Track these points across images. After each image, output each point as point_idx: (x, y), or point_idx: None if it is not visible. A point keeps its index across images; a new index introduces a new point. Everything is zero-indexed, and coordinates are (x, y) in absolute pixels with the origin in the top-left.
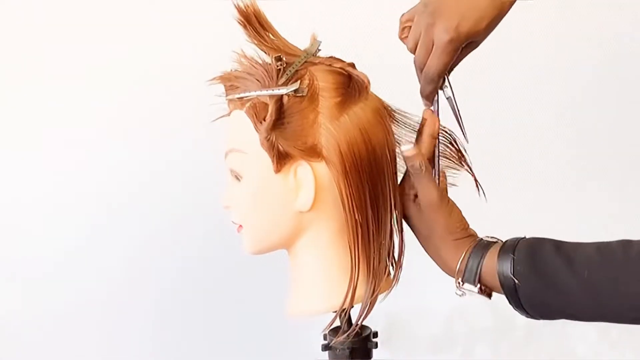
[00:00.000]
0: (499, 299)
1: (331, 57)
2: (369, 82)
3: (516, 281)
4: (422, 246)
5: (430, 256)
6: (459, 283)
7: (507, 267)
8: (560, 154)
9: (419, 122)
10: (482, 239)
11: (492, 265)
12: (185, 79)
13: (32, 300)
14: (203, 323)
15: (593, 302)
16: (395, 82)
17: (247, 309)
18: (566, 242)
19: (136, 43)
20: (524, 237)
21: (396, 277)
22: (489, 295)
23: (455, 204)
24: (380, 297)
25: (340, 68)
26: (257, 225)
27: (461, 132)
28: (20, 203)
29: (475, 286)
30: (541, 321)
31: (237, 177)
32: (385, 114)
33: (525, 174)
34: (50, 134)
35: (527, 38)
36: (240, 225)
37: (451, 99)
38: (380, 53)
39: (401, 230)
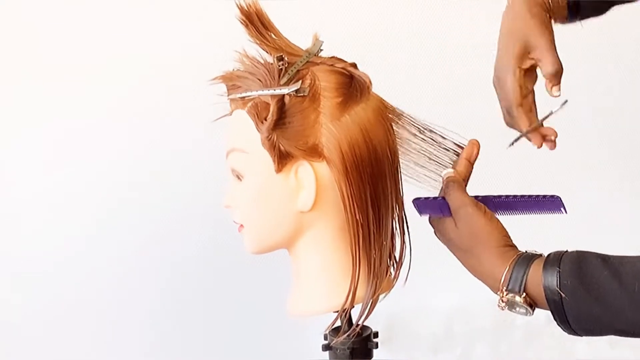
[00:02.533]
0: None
1: (333, 57)
2: (370, 82)
3: (563, 295)
4: (463, 263)
5: (472, 271)
6: (503, 293)
7: (553, 280)
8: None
9: (423, 123)
10: (526, 251)
11: (538, 277)
12: (187, 78)
13: (31, 297)
14: (203, 322)
15: None
16: (397, 82)
17: (248, 309)
18: (612, 256)
19: (138, 42)
20: (567, 250)
21: (397, 277)
22: (532, 307)
23: (494, 214)
24: (380, 297)
25: (342, 68)
26: (258, 225)
27: None
28: (18, 201)
29: (520, 296)
30: (541, 321)
31: (239, 177)
32: (386, 114)
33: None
34: (49, 132)
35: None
36: (242, 225)
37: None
38: (382, 53)
39: (402, 232)
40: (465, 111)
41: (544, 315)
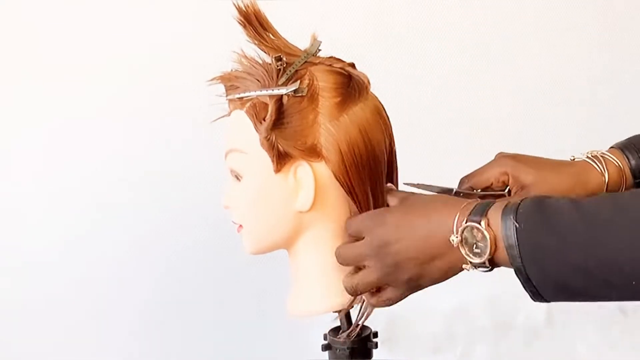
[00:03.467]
0: (499, 299)
1: (331, 57)
2: (368, 82)
3: (516, 225)
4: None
5: (420, 246)
6: (460, 226)
7: (510, 217)
8: None
9: None
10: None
11: (497, 217)
12: (185, 78)
13: (27, 294)
14: (202, 322)
15: (603, 248)
16: (395, 82)
17: (247, 309)
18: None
19: (136, 42)
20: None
21: None
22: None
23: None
24: None
25: (340, 68)
26: (257, 225)
27: None
28: (15, 199)
29: (481, 222)
30: (541, 321)
31: (237, 177)
32: (385, 113)
33: None
34: (47, 131)
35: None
36: (240, 225)
37: None
38: (380, 53)
39: None
40: (465, 111)
41: (544, 315)
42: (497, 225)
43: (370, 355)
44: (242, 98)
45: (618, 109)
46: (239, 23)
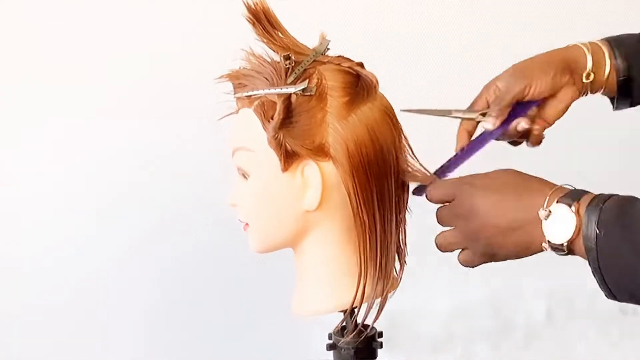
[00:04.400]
0: (499, 299)
1: (340, 56)
2: (377, 81)
3: (597, 231)
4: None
5: (508, 210)
6: (549, 204)
7: (594, 215)
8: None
9: None
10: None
11: (583, 210)
12: (194, 76)
13: (29, 295)
14: (206, 321)
15: None
16: (403, 81)
17: (252, 308)
18: None
19: (141, 40)
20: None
21: (401, 276)
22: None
23: None
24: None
25: (348, 67)
26: (264, 224)
27: None
28: (17, 200)
29: (571, 206)
30: (541, 321)
31: (244, 175)
32: (393, 113)
33: None
34: (48, 131)
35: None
36: (247, 224)
37: None
38: (389, 52)
39: (404, 230)
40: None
41: (544, 315)
42: (582, 219)
43: (375, 355)
44: (250, 96)
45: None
46: (248, 21)
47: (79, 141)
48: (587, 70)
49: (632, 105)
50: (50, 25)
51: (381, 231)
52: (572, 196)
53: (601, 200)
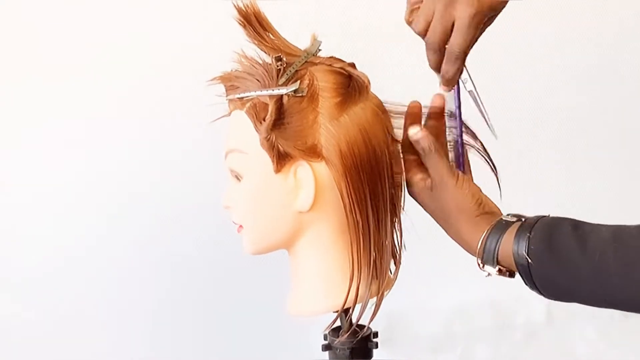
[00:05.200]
0: (499, 299)
1: (331, 57)
2: (369, 82)
3: (529, 260)
4: (446, 232)
5: (453, 239)
6: (479, 264)
7: (522, 246)
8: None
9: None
10: (502, 217)
11: (510, 243)
12: (186, 79)
13: (33, 297)
14: (203, 322)
15: (602, 287)
16: (395, 82)
17: (248, 309)
18: (586, 223)
19: (137, 42)
20: (545, 216)
21: (396, 276)
22: (511, 275)
23: (470, 181)
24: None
25: (340, 68)
26: (257, 226)
27: (487, 126)
28: (19, 201)
29: (494, 267)
30: (541, 321)
31: (237, 177)
32: (385, 113)
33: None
34: (49, 133)
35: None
36: (241, 226)
37: (473, 92)
38: (380, 53)
39: (400, 230)
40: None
41: (544, 315)
42: (512, 247)
43: (370, 355)
44: (242, 98)
45: (618, 110)
46: (239, 23)
47: (80, 143)
48: None
49: None
50: (51, 25)
51: (375, 231)
52: (500, 228)
53: (528, 229)
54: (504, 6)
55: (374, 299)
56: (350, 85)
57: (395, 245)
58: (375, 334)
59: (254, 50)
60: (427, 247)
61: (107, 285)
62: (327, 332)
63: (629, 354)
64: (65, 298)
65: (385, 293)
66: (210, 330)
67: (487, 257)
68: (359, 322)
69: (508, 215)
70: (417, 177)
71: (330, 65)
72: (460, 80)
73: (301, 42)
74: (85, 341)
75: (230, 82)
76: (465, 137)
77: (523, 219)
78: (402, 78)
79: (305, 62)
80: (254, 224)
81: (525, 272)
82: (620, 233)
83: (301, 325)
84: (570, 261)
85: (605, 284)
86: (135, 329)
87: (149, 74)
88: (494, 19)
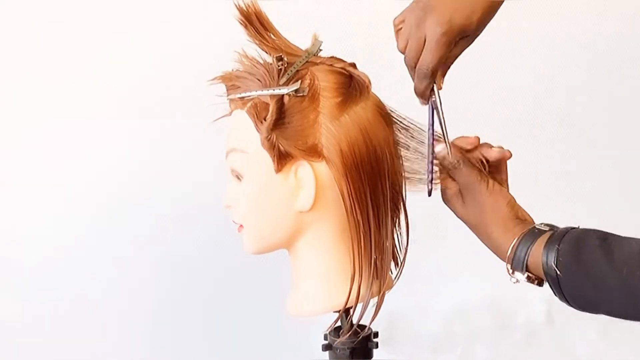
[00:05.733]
0: (499, 299)
1: (332, 57)
2: (369, 82)
3: (558, 272)
4: (477, 237)
5: (484, 243)
6: (509, 270)
7: (551, 258)
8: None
9: (418, 124)
10: (535, 226)
11: (539, 254)
12: (187, 78)
13: (32, 298)
14: (203, 322)
15: (629, 300)
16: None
17: (248, 309)
18: (614, 236)
19: (137, 42)
20: (575, 228)
21: (398, 276)
22: (540, 284)
23: (504, 189)
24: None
25: (341, 68)
26: (258, 225)
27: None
28: (18, 201)
29: (523, 274)
30: (541, 321)
31: (238, 177)
32: (386, 113)
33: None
34: (49, 133)
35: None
36: (241, 225)
37: (436, 102)
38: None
39: (407, 229)
40: (466, 110)
41: (544, 315)
42: (541, 258)
43: (370, 355)
44: (243, 98)
45: (617, 109)
46: (240, 23)
47: (80, 143)
48: None
49: None
50: (51, 25)
51: (375, 231)
52: (531, 236)
53: (557, 240)
54: (479, 31)
55: (375, 299)
56: (351, 85)
57: (396, 245)
58: (376, 334)
59: (255, 50)
60: (427, 247)
61: (107, 285)
62: (327, 332)
63: (629, 354)
64: (65, 298)
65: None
66: (210, 330)
67: (517, 264)
68: (359, 322)
69: (541, 224)
70: (447, 184)
71: (331, 65)
72: (434, 94)
73: (302, 42)
74: (85, 341)
75: (231, 81)
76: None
77: (555, 229)
78: (403, 78)
79: (306, 62)
80: (255, 223)
81: (554, 283)
82: None
83: (301, 325)
84: (597, 274)
85: (633, 297)
86: (135, 329)
87: (149, 74)
88: (472, 40)
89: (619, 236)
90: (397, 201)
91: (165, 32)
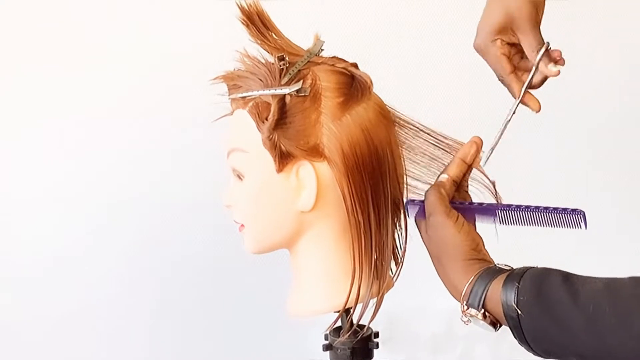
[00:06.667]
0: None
1: (334, 57)
2: (371, 82)
3: (519, 312)
4: (435, 268)
5: (441, 279)
6: (463, 307)
7: (510, 296)
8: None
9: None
10: (494, 265)
11: (497, 292)
12: (188, 78)
13: (31, 298)
14: (203, 323)
15: (598, 339)
16: (398, 82)
17: (248, 309)
18: (576, 275)
19: (136, 43)
20: (534, 267)
21: (397, 276)
22: (494, 325)
23: (470, 226)
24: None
25: (343, 68)
26: (259, 225)
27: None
28: (18, 201)
29: (479, 311)
30: None
31: (239, 177)
32: (387, 114)
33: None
34: (49, 131)
35: None
36: (242, 225)
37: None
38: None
39: (406, 231)
40: (467, 111)
41: None
42: (500, 296)
43: (371, 355)
44: (244, 97)
45: (617, 109)
46: (242, 23)
47: (81, 142)
48: None
49: None
50: (51, 25)
51: (376, 231)
52: (489, 274)
53: (517, 277)
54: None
55: (375, 299)
56: (353, 85)
57: (396, 245)
58: (376, 334)
59: (256, 50)
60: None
61: (107, 285)
62: (328, 332)
63: None
64: (64, 298)
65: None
66: (210, 330)
67: (473, 300)
68: (360, 322)
69: (500, 263)
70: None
71: (332, 65)
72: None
73: (304, 42)
74: (85, 341)
75: (232, 81)
76: None
77: (512, 269)
78: (404, 78)
79: (308, 61)
80: (256, 223)
81: (515, 324)
82: (613, 284)
83: (302, 325)
84: (562, 313)
85: (601, 335)
86: (135, 329)
87: (149, 74)
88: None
89: (579, 275)
90: (398, 201)
91: (166, 31)
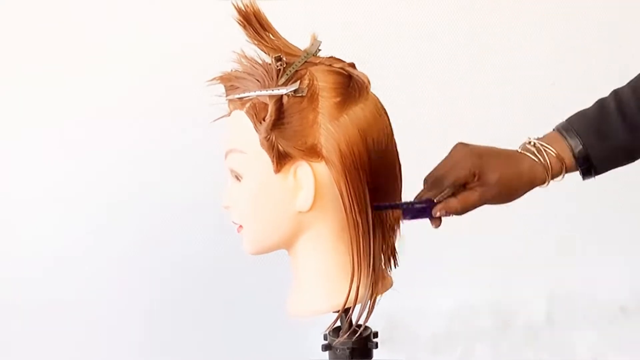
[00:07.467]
0: (499, 300)
1: (331, 57)
2: (369, 82)
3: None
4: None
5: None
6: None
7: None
8: None
9: None
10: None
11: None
12: (188, 78)
13: (31, 297)
14: (203, 323)
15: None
16: (396, 82)
17: (247, 309)
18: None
19: (136, 43)
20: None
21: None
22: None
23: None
24: (377, 297)
25: (340, 68)
26: (257, 226)
27: None
28: (18, 201)
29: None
30: (541, 321)
31: (237, 177)
32: (385, 113)
33: None
34: (49, 132)
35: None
36: (241, 226)
37: None
38: (380, 53)
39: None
40: (467, 111)
41: (544, 316)
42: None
43: (370, 355)
44: (242, 98)
45: None
46: (239, 23)
47: (81, 142)
48: (546, 184)
49: (597, 173)
50: (50, 25)
51: (375, 231)
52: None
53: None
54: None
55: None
56: (350, 85)
57: (394, 245)
58: (375, 334)
59: (253, 51)
60: (427, 247)
61: (107, 284)
62: (327, 332)
63: (629, 354)
64: (64, 298)
65: (381, 294)
66: (210, 330)
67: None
68: (359, 322)
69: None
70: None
71: (330, 65)
72: None
73: (301, 42)
74: (84, 341)
75: (230, 82)
76: None
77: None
78: (402, 78)
79: (305, 62)
80: (254, 224)
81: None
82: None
83: (301, 325)
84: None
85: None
86: (134, 329)
87: (148, 74)
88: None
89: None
90: (396, 201)
91: (165, 32)
